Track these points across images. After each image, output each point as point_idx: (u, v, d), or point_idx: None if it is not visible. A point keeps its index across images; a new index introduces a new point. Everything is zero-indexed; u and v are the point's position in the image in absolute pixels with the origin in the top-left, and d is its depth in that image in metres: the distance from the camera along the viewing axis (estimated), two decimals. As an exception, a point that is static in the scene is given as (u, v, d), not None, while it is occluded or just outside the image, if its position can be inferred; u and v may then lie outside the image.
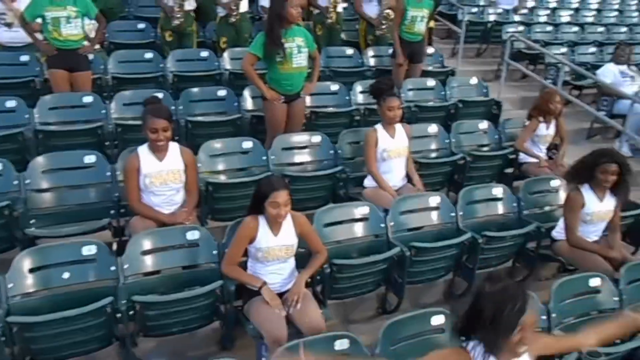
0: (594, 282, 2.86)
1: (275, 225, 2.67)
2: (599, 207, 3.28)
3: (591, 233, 3.36)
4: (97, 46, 4.75)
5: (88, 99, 4.15)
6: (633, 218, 3.63)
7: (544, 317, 2.67)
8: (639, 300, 2.96)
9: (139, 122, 3.18)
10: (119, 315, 2.50)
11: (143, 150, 3.08)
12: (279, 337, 2.45)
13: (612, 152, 3.31)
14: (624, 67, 5.97)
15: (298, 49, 3.98)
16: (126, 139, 3.87)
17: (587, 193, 3.27)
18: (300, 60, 4.02)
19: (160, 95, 3.98)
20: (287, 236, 2.71)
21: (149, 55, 4.94)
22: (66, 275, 2.63)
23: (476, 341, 1.77)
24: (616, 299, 2.89)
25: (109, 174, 3.42)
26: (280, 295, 2.68)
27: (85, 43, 4.42)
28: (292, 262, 2.80)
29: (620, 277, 2.94)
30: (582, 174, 3.28)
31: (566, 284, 2.82)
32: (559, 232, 3.44)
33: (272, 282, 2.70)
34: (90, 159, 3.40)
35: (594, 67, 6.41)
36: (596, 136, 5.93)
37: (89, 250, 2.67)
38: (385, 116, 3.70)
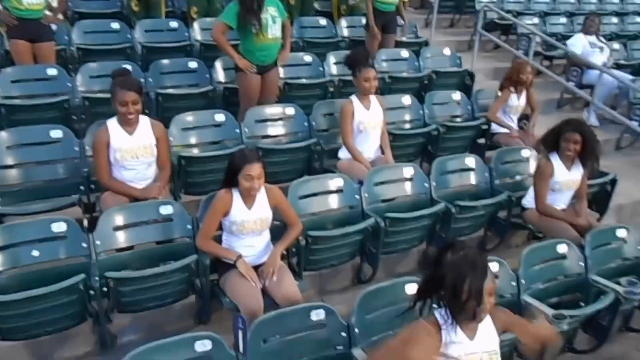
0: (561, 248, 2.95)
1: (249, 198, 2.66)
2: (567, 176, 3.37)
3: (559, 201, 3.45)
4: (60, 16, 4.56)
5: (52, 71, 3.99)
6: (598, 186, 3.74)
7: (514, 283, 2.75)
8: (603, 265, 3.07)
9: (107, 96, 3.09)
10: (92, 292, 2.47)
11: (112, 124, 3.00)
12: (255, 310, 2.46)
13: (577, 122, 3.37)
14: (593, 38, 6.03)
15: (272, 19, 3.90)
16: (94, 112, 3.76)
17: (556, 162, 3.35)
18: (275, 30, 3.94)
19: (128, 67, 3.86)
20: (262, 209, 2.70)
21: (115, 25, 4.76)
22: (36, 253, 2.57)
23: (442, 310, 1.81)
24: (581, 264, 2.98)
25: (77, 149, 3.33)
26: (256, 268, 2.69)
27: (48, 12, 4.24)
28: (266, 234, 2.80)
29: (586, 243, 3.04)
30: (550, 142, 3.37)
31: (535, 250, 2.89)
32: (529, 200, 3.52)
33: (247, 254, 2.70)
34: (57, 133, 3.30)
35: (565, 37, 6.48)
36: (566, 106, 6.04)
37: (58, 227, 2.62)
38: (361, 87, 3.68)
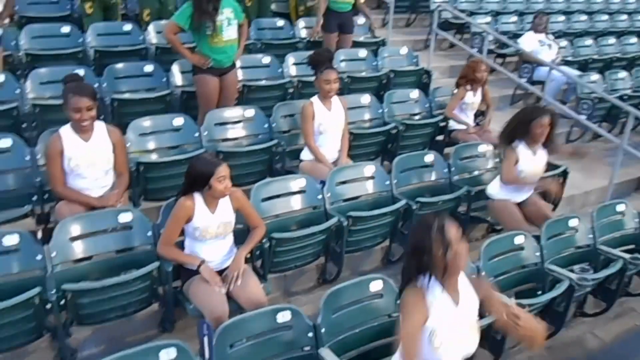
0: (519, 240, 3.05)
1: (212, 202, 2.63)
2: (532, 162, 3.46)
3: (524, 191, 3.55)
4: (7, 20, 4.38)
5: (0, 78, 3.83)
6: (551, 178, 3.87)
7: (474, 276, 2.82)
8: (558, 254, 3.19)
9: (59, 102, 2.99)
10: (48, 306, 2.38)
11: (66, 131, 2.90)
12: (220, 315, 2.44)
13: (543, 107, 3.49)
14: (542, 36, 6.26)
15: (228, 21, 3.87)
16: (45, 120, 3.62)
17: (522, 150, 3.44)
18: (230, 32, 3.91)
19: (81, 72, 3.74)
20: (224, 213, 2.68)
21: (66, 29, 4.60)
22: (-13, 267, 2.47)
23: (421, 275, 1.88)
24: (538, 254, 3.09)
25: (28, 158, 3.20)
26: (220, 272, 2.66)
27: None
28: (230, 238, 2.77)
29: (541, 234, 3.15)
30: (518, 131, 3.42)
31: (494, 243, 2.98)
32: (492, 190, 3.61)
33: (211, 259, 2.67)
34: (6, 142, 3.17)
35: (516, 35, 6.70)
36: (519, 102, 6.24)
37: (10, 240, 2.52)
38: (321, 89, 3.69)
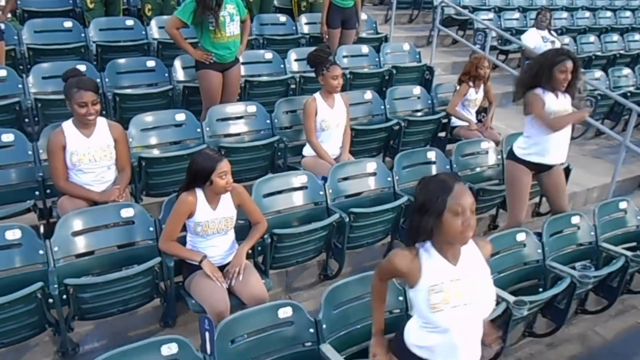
0: (520, 236, 3.04)
1: (213, 198, 2.63)
2: (558, 104, 3.22)
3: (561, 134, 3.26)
4: (9, 15, 4.37)
5: (2, 72, 3.83)
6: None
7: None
8: (559, 251, 3.19)
9: (60, 97, 2.99)
10: (50, 300, 2.39)
11: (68, 126, 2.90)
12: (221, 310, 2.44)
13: (567, 50, 3.29)
14: (545, 32, 6.24)
15: (230, 17, 3.87)
16: (47, 114, 3.64)
17: (545, 95, 3.19)
18: (232, 28, 3.91)
19: (82, 67, 3.75)
20: (226, 208, 2.68)
21: (68, 24, 4.60)
22: (-11, 262, 2.48)
23: (421, 241, 1.80)
24: (539, 251, 3.09)
25: (30, 152, 3.21)
26: (222, 268, 2.66)
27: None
28: (231, 234, 2.78)
29: (543, 231, 3.14)
30: (540, 76, 3.18)
31: (495, 239, 2.96)
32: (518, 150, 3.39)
33: (212, 255, 2.68)
34: (8, 137, 3.17)
35: (519, 32, 6.67)
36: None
37: (13, 234, 2.52)
38: (329, 85, 3.67)
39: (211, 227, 2.65)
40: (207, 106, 3.94)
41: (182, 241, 2.74)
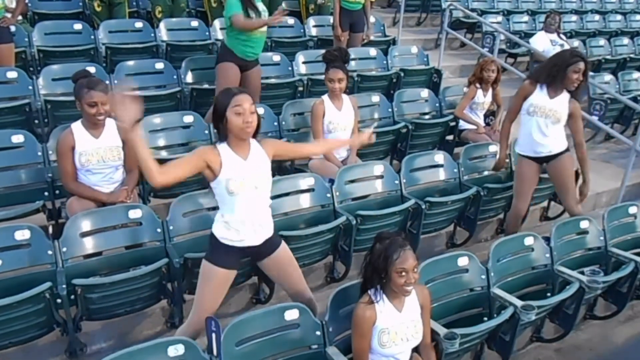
0: (528, 240, 3.02)
1: (240, 147, 2.26)
2: (546, 101, 3.33)
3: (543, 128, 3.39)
4: (19, 17, 4.42)
5: (12, 74, 3.87)
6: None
7: (484, 277, 2.80)
8: (568, 255, 3.17)
9: (70, 99, 3.01)
10: (59, 300, 2.41)
11: (77, 127, 2.92)
12: (207, 311, 2.31)
13: (580, 52, 3.42)
14: (554, 36, 6.21)
15: (263, 13, 3.94)
16: (57, 116, 3.66)
17: (540, 90, 3.34)
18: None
19: (92, 69, 3.77)
20: (258, 160, 2.33)
21: (78, 26, 4.64)
22: (-2, 262, 2.50)
23: (373, 289, 2.22)
24: (547, 255, 3.07)
25: (40, 153, 3.24)
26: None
27: (7, 14, 4.11)
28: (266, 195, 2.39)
29: (551, 235, 3.12)
30: (553, 74, 3.28)
31: (503, 244, 2.96)
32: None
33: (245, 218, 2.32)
34: (18, 138, 3.20)
35: (527, 35, 6.65)
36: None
37: (22, 234, 2.54)
38: (328, 87, 3.69)
39: (245, 184, 2.25)
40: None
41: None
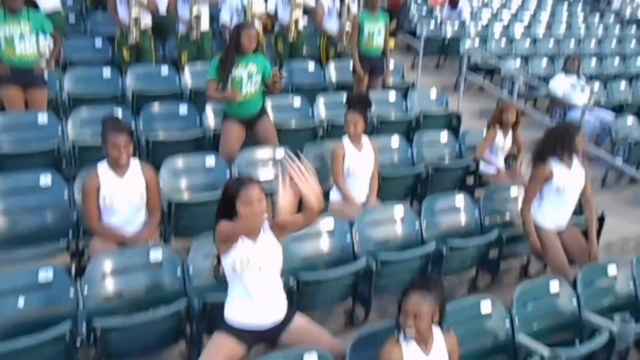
0: (554, 286, 2.94)
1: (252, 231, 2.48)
2: (568, 175, 3.36)
3: (566, 204, 3.43)
4: (53, 63, 4.63)
5: (43, 118, 4.02)
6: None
7: (508, 322, 2.72)
8: (596, 302, 3.06)
9: (97, 144, 3.10)
10: (78, 341, 2.40)
11: (102, 168, 3.00)
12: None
13: (572, 122, 3.48)
14: (574, 78, 6.23)
15: (249, 76, 3.95)
16: (84, 158, 3.77)
17: (556, 165, 3.35)
18: (250, 87, 3.98)
19: (119, 112, 3.91)
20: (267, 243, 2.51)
21: (107, 73, 4.84)
22: (21, 302, 2.52)
23: (401, 330, 2.21)
24: (574, 301, 2.97)
25: (66, 194, 3.32)
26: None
27: (42, 62, 4.31)
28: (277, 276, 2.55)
29: (578, 281, 3.03)
30: (563, 145, 3.33)
31: (528, 289, 2.88)
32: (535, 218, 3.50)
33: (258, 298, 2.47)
34: (46, 179, 3.29)
35: (546, 79, 6.67)
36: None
37: (45, 274, 2.57)
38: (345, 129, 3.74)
39: (251, 263, 2.39)
40: (221, 155, 3.95)
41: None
